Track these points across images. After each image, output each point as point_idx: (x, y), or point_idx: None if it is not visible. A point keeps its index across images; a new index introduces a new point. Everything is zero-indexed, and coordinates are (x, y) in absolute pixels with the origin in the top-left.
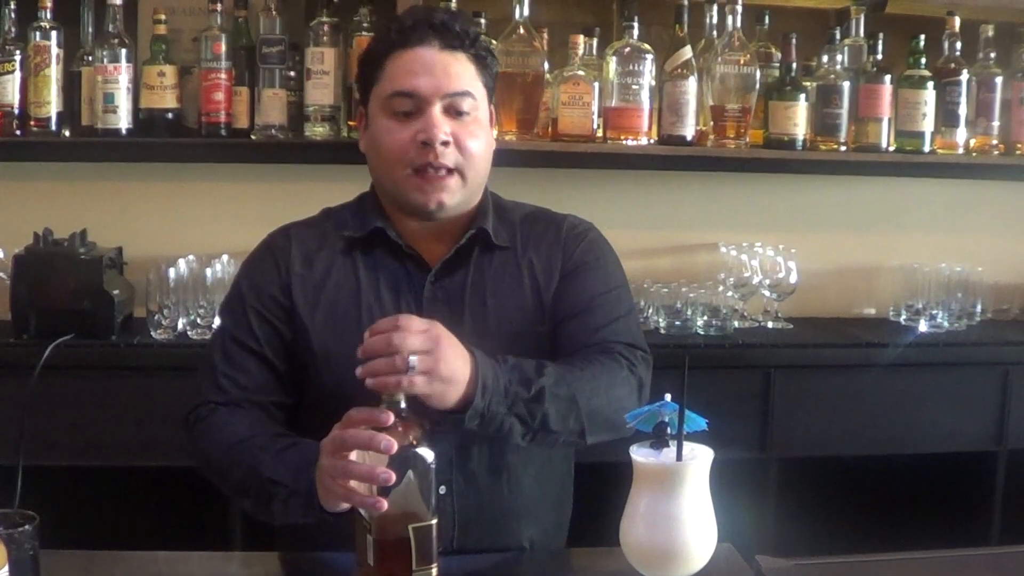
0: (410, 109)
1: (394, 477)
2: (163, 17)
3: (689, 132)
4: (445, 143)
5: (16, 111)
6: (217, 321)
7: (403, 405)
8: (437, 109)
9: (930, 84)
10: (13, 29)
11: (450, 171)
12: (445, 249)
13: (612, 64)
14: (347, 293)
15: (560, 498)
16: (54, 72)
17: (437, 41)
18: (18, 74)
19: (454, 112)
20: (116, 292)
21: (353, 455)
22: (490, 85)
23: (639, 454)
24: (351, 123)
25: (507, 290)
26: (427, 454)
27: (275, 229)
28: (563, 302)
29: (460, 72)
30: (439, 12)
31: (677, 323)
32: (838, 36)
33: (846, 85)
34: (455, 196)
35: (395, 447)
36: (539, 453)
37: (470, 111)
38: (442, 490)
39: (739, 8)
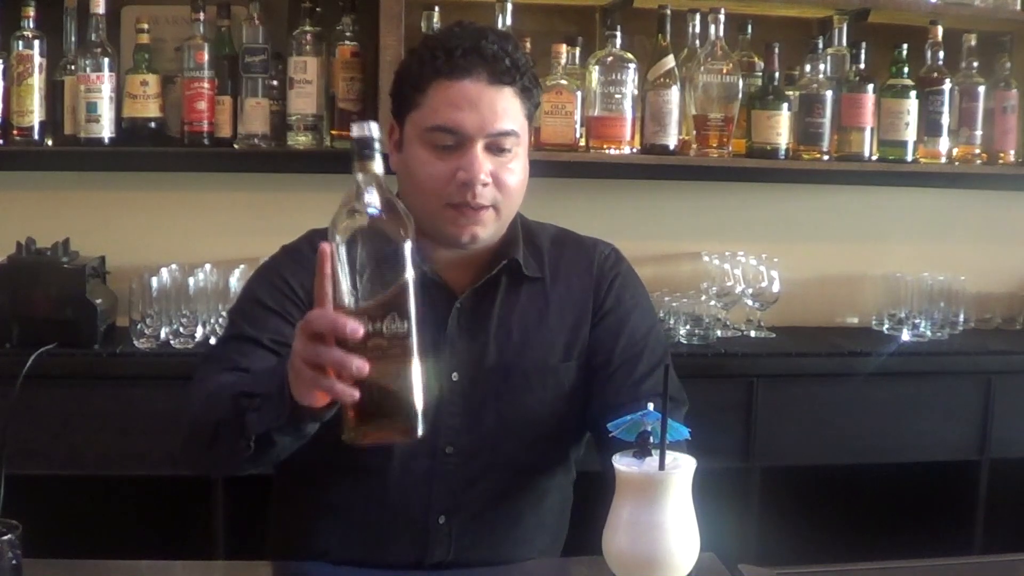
0: (451, 144)
1: (368, 368)
2: (146, 26)
3: (672, 141)
4: (485, 184)
5: None
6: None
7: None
8: (479, 147)
9: (913, 93)
10: None
11: (485, 207)
12: (470, 277)
13: (595, 73)
14: None
15: (558, 524)
16: (37, 81)
17: (486, 74)
18: (0, 83)
19: (495, 149)
20: (99, 301)
21: None
22: (531, 114)
23: (621, 463)
24: (333, 132)
25: (535, 325)
26: (408, 244)
27: (293, 240)
28: (602, 347)
29: (506, 109)
30: (490, 39)
31: None
32: (821, 45)
33: (829, 94)
34: (488, 229)
35: (360, 332)
36: (542, 485)
37: (511, 148)
38: (441, 520)
39: (722, 17)
